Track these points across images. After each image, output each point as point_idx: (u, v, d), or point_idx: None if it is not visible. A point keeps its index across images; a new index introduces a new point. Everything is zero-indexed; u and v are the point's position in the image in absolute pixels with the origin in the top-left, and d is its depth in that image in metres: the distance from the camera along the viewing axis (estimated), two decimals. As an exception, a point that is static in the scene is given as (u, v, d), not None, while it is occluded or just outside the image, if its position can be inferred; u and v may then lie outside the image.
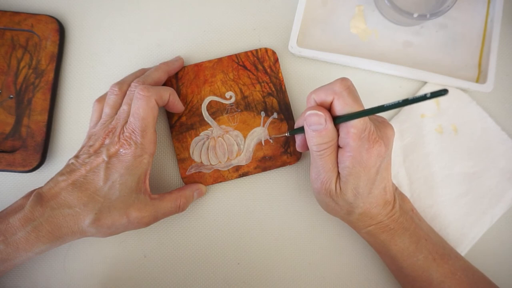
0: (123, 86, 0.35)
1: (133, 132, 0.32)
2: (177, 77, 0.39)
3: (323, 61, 0.40)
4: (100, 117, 0.35)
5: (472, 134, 0.39)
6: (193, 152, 0.38)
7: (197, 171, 0.38)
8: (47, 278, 0.38)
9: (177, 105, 0.36)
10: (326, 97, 0.30)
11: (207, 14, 0.41)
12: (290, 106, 0.38)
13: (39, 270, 0.38)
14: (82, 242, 0.38)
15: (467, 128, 0.39)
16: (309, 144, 0.31)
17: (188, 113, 0.38)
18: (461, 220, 0.38)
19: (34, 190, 0.34)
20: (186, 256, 0.38)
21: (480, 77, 0.39)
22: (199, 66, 0.39)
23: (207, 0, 0.41)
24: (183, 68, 0.39)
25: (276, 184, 0.39)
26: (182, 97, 0.39)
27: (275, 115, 0.38)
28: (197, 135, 0.38)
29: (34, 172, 0.39)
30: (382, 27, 0.40)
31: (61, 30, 0.40)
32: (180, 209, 0.36)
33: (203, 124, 0.38)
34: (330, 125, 0.30)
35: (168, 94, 0.35)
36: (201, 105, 0.39)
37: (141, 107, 0.32)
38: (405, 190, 0.38)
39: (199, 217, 0.39)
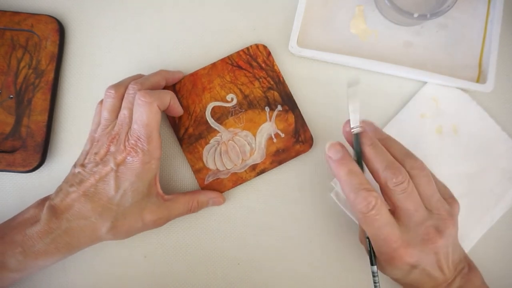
0: (120, 88, 0.34)
1: (138, 139, 0.32)
2: (175, 90, 0.39)
3: (323, 61, 0.40)
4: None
5: (472, 134, 0.39)
6: (207, 161, 0.38)
7: (214, 178, 0.38)
8: (47, 278, 0.38)
9: (177, 109, 0.36)
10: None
11: (207, 14, 0.41)
12: (292, 95, 0.38)
13: (39, 270, 0.38)
14: (82, 242, 0.38)
15: (467, 128, 0.39)
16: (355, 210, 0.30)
17: (194, 123, 0.38)
18: (461, 220, 0.38)
19: (44, 199, 0.34)
20: (186, 256, 0.38)
21: (480, 77, 0.39)
22: (195, 75, 0.39)
23: (207, 0, 0.41)
24: (179, 81, 0.39)
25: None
26: (185, 109, 0.38)
27: (279, 107, 0.38)
28: (207, 143, 0.38)
29: (34, 172, 0.39)
30: (382, 27, 0.40)
31: (61, 30, 0.40)
32: (191, 211, 0.36)
33: (211, 131, 0.38)
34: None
35: (169, 98, 0.34)
36: (204, 113, 0.38)
37: (144, 113, 0.32)
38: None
39: (199, 217, 0.39)
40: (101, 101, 0.36)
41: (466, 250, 0.37)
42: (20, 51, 0.39)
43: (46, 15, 0.39)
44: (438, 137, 0.39)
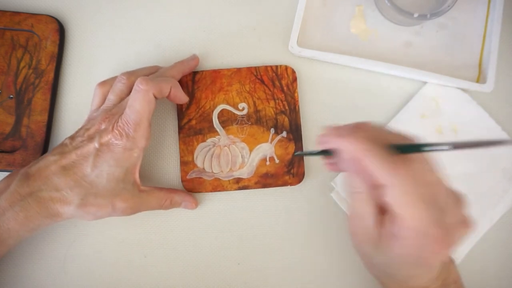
0: (132, 77, 0.35)
1: (126, 124, 0.32)
2: (194, 79, 0.39)
3: (323, 61, 0.40)
4: (101, 101, 0.36)
5: (472, 134, 0.39)
6: (197, 157, 0.38)
7: (198, 176, 0.38)
8: (47, 278, 0.38)
9: (180, 97, 0.36)
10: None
11: (207, 14, 0.41)
12: (300, 127, 0.38)
13: (39, 270, 0.38)
14: (82, 242, 0.38)
15: (467, 128, 0.39)
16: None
17: (199, 117, 0.38)
18: (461, 220, 0.38)
19: (18, 170, 0.34)
20: (186, 256, 0.38)
21: (480, 77, 0.39)
22: (217, 73, 0.39)
23: (207, 0, 0.41)
24: (201, 72, 0.39)
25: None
26: (196, 101, 0.39)
27: (284, 134, 0.38)
28: (203, 140, 0.38)
29: (34, 172, 0.39)
30: (382, 27, 0.40)
31: (61, 30, 0.40)
32: (162, 208, 0.36)
33: (212, 131, 0.38)
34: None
35: (169, 87, 0.34)
36: (212, 111, 0.39)
37: (137, 100, 0.32)
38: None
39: (199, 217, 0.39)
40: (101, 83, 0.36)
41: (466, 251, 0.37)
42: (20, 51, 0.39)
43: (46, 15, 0.39)
44: (438, 137, 0.39)
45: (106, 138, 0.32)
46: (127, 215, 0.34)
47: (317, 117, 0.40)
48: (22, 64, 0.39)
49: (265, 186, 0.38)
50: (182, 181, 0.38)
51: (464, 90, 0.39)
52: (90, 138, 0.33)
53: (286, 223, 0.39)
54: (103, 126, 0.33)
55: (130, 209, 0.34)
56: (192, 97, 0.39)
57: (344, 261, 0.38)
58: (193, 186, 0.38)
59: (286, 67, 0.39)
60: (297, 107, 0.38)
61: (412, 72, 0.38)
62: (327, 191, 0.39)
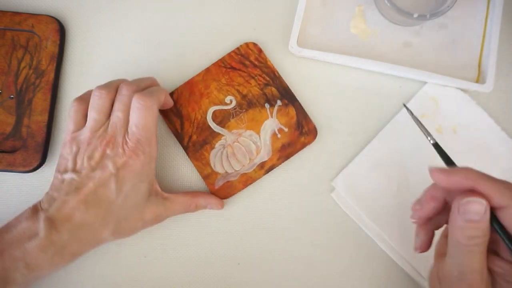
0: (111, 89, 0.33)
1: (138, 142, 0.32)
2: (172, 99, 0.38)
3: (323, 61, 0.40)
4: (83, 119, 0.33)
5: (471, 134, 0.39)
6: (214, 165, 0.38)
7: (224, 181, 0.38)
8: (47, 278, 0.38)
9: (169, 102, 0.37)
10: (499, 200, 0.25)
11: (207, 14, 0.41)
12: (289, 89, 0.39)
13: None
14: (83, 242, 0.38)
15: (467, 128, 0.39)
16: (456, 235, 0.26)
17: (196, 130, 0.38)
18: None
19: (35, 209, 0.32)
20: (186, 256, 0.38)
21: (480, 77, 0.39)
22: (190, 83, 0.39)
23: (207, 0, 0.41)
24: (175, 90, 0.39)
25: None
26: (185, 117, 0.38)
27: (279, 102, 0.38)
28: (212, 148, 0.38)
29: (34, 172, 0.39)
30: (382, 27, 0.40)
31: (61, 30, 0.40)
32: (188, 212, 0.37)
33: (215, 135, 0.38)
34: (488, 216, 0.26)
35: (164, 96, 0.35)
36: (206, 118, 0.38)
37: (144, 117, 0.32)
38: (404, 191, 0.38)
39: (199, 217, 0.39)
40: (78, 99, 0.34)
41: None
42: (21, 51, 0.39)
43: (46, 15, 0.39)
44: (438, 137, 0.38)
45: (121, 161, 0.32)
46: (156, 224, 0.35)
47: (316, 117, 0.40)
48: (22, 64, 0.39)
49: (287, 157, 0.38)
50: (212, 193, 0.38)
51: (463, 90, 0.39)
52: (101, 166, 0.32)
53: (286, 224, 0.39)
54: (109, 152, 0.32)
55: (159, 217, 0.35)
56: (180, 115, 0.38)
57: (344, 261, 0.38)
58: (225, 193, 0.38)
59: (247, 44, 0.39)
60: (276, 74, 0.39)
61: (412, 72, 0.38)
62: (327, 191, 0.39)
